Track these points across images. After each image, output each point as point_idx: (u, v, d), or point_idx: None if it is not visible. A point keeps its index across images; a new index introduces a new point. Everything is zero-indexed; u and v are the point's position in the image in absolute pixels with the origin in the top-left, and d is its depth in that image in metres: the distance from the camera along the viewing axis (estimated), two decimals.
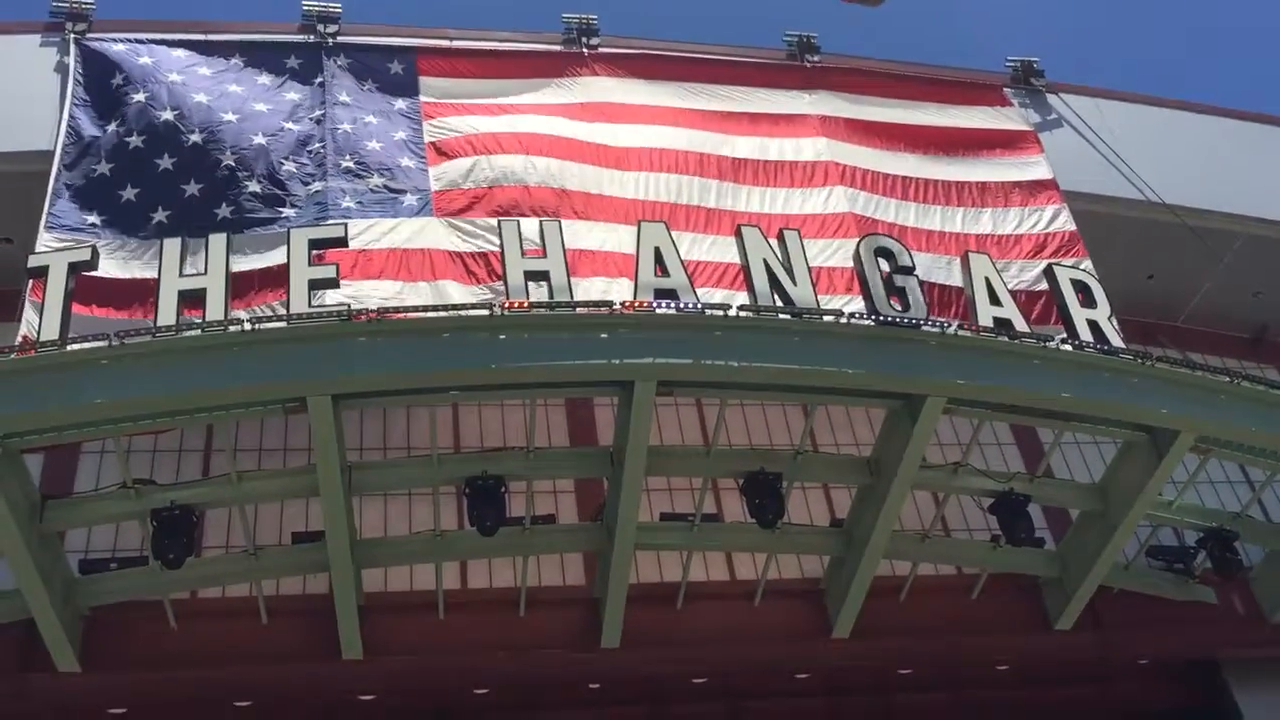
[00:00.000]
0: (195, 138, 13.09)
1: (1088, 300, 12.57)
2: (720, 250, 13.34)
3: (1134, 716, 14.83)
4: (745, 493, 12.00)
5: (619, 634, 12.36)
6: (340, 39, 14.91)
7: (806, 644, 13.13)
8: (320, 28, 14.92)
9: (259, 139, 13.26)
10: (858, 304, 11.98)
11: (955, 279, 13.42)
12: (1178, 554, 13.60)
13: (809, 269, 11.87)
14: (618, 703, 13.51)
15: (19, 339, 10.10)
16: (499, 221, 12.08)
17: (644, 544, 12.14)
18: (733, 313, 11.07)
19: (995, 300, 12.12)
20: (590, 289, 12.34)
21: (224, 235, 11.07)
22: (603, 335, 10.82)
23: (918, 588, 13.33)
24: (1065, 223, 15.06)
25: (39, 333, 9.91)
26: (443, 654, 12.25)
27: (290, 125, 13.62)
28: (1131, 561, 13.58)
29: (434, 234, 12.91)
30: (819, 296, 11.85)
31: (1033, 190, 15.47)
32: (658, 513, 12.57)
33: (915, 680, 13.91)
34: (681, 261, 11.59)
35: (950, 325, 11.69)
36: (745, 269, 11.84)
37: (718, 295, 12.54)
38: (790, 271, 11.72)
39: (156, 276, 10.54)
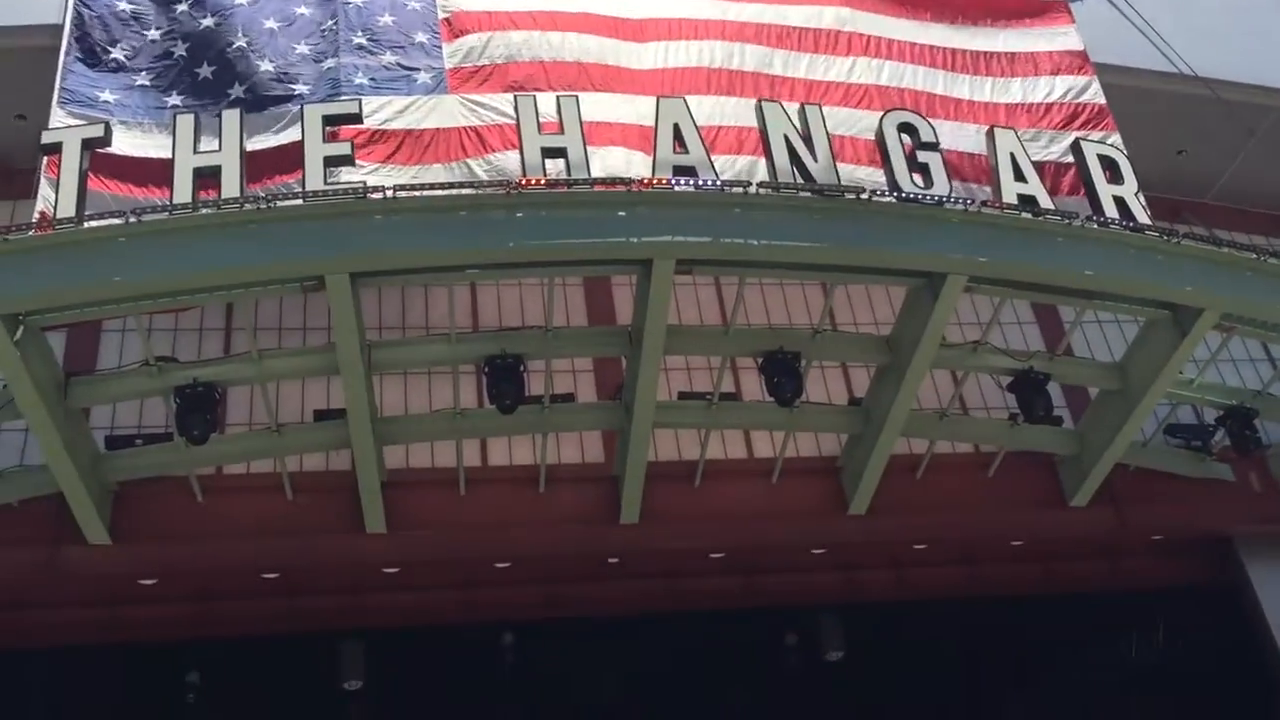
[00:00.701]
0: (207, 22, 12.90)
1: (1115, 176, 12.34)
2: (741, 113, 13.07)
3: (1147, 592, 15.06)
4: (763, 371, 12.01)
5: (637, 511, 12.56)
6: None
7: (823, 521, 13.31)
8: None
9: (270, 22, 13.05)
10: (879, 177, 11.79)
11: (983, 148, 13.13)
12: (1196, 432, 13.64)
13: (830, 141, 11.65)
14: (636, 577, 13.79)
15: (36, 215, 10.10)
16: (515, 97, 11.87)
17: (662, 422, 12.23)
18: (752, 190, 10.94)
19: (1020, 176, 11.91)
20: (608, 158, 12.20)
21: (237, 112, 10.96)
22: (621, 213, 10.73)
23: (934, 466, 13.42)
24: (1095, 95, 14.68)
25: (55, 209, 9.90)
26: (464, 529, 12.49)
27: (302, 10, 13.36)
28: (1149, 439, 13.63)
29: (448, 111, 12.73)
30: (840, 166, 11.62)
31: (1063, 61, 15.05)
32: (676, 391, 12.63)
33: (930, 556, 14.12)
34: (700, 136, 11.40)
35: (973, 203, 11.53)
36: (765, 145, 11.64)
37: (740, 163, 12.40)
38: (811, 146, 11.51)
39: (170, 156, 10.45)
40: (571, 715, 19.08)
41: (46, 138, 10.52)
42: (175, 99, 12.21)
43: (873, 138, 12.41)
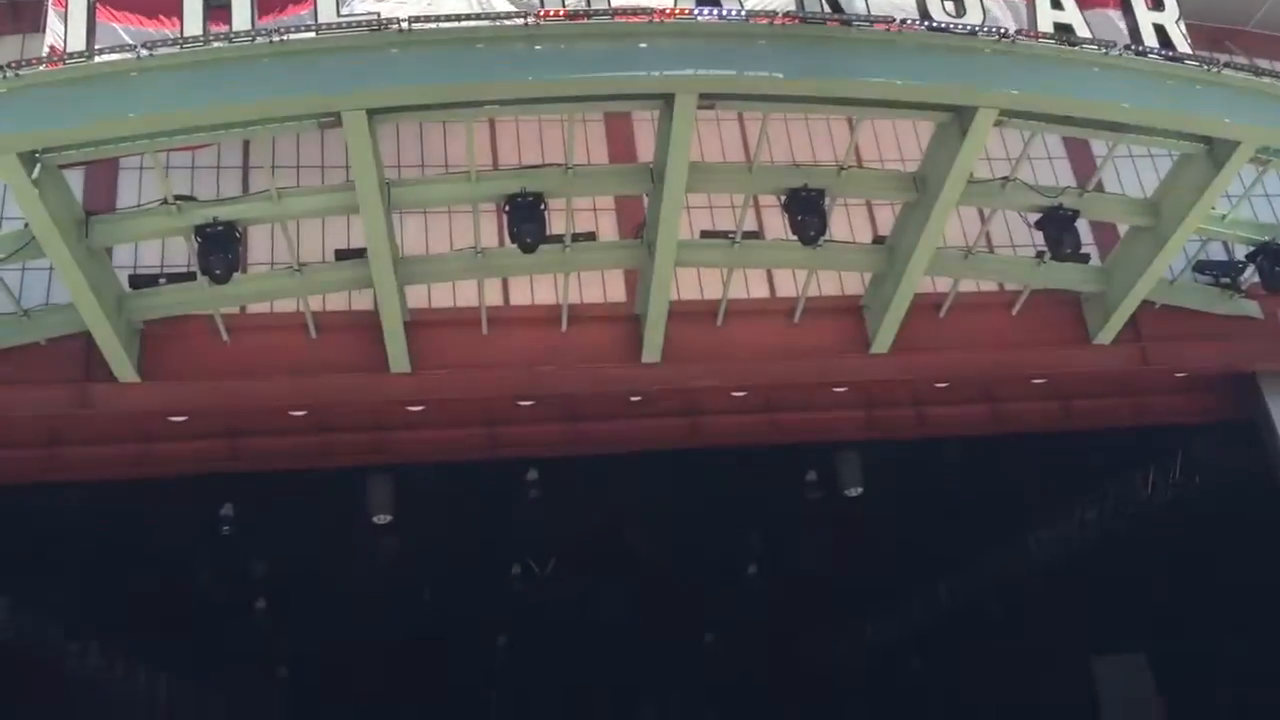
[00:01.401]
0: None
1: (1156, 3, 11.86)
2: None
3: (1168, 429, 15.17)
4: (787, 209, 11.81)
5: (659, 349, 12.57)
6: None
7: (845, 360, 13.31)
8: None
9: None
10: (910, 5, 11.37)
11: None
12: (1225, 268, 13.48)
13: None
14: (658, 415, 13.91)
15: (46, 49, 9.87)
16: None
17: (684, 261, 12.13)
18: (778, 21, 10.58)
19: (1057, 4, 11.45)
20: None
21: None
22: (642, 45, 10.41)
23: (959, 304, 13.33)
24: None
25: (65, 43, 9.70)
26: (487, 368, 12.57)
27: None
28: (1177, 276, 13.49)
29: None
30: None
31: None
32: (698, 230, 12.49)
33: (950, 394, 14.16)
34: None
35: (1006, 33, 11.11)
36: None
37: None
38: None
39: None
40: (593, 549, 19.70)
41: None
42: None
43: None
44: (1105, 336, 13.34)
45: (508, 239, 11.56)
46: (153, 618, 18.16)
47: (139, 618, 18.04)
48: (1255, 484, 14.03)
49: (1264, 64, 12.54)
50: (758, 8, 11.17)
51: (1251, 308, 13.64)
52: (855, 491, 16.01)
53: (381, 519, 15.19)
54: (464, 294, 12.62)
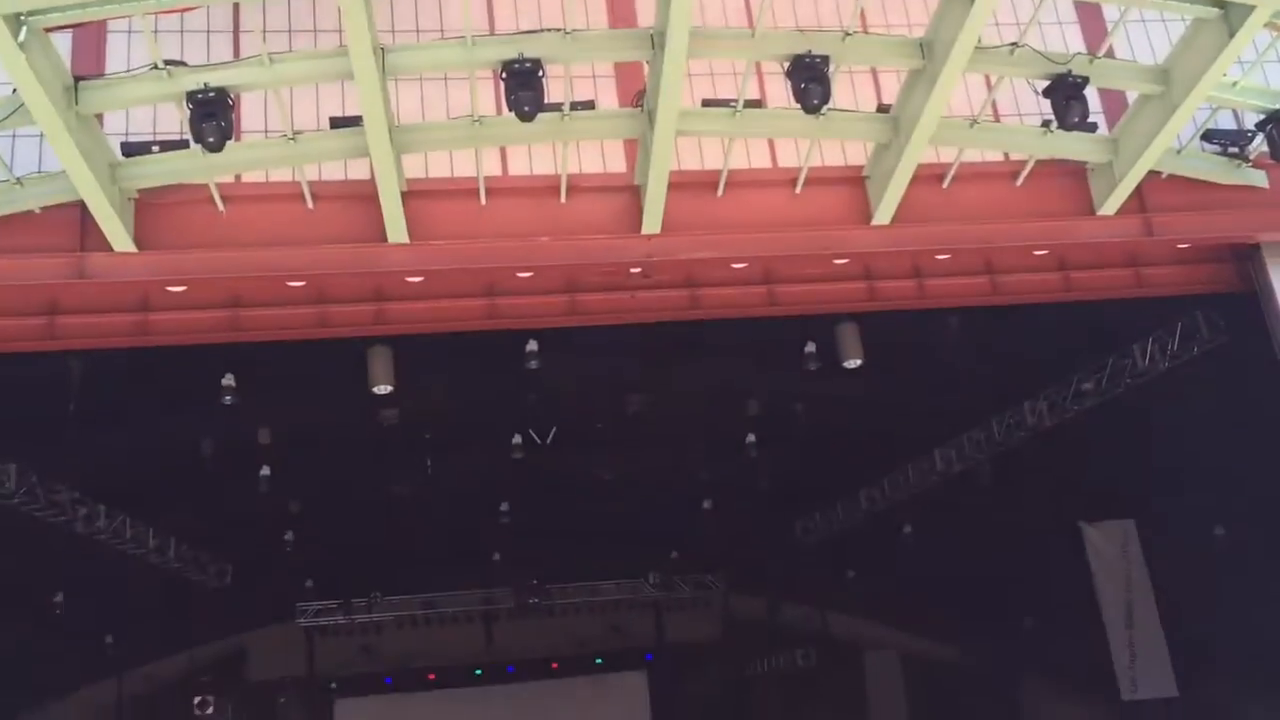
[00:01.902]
0: None
1: None
2: None
3: (1168, 301, 15.18)
4: (790, 77, 11.53)
5: (660, 220, 12.47)
6: None
7: (846, 230, 13.21)
8: None
9: None
10: None
11: None
12: (1234, 137, 13.28)
13: None
14: (658, 287, 13.89)
15: None
16: None
17: (685, 129, 11.92)
18: None
19: None
20: None
21: None
22: None
23: (962, 175, 13.17)
24: None
25: None
26: (486, 238, 12.49)
27: None
28: (1185, 146, 13.31)
29: None
30: None
31: None
32: (699, 98, 12.27)
33: (952, 265, 14.12)
34: None
35: None
36: None
37: None
38: None
39: None
40: (593, 419, 19.90)
41: None
42: None
43: None
44: (1110, 207, 13.22)
45: (505, 108, 11.38)
46: (159, 484, 18.49)
47: (145, 484, 18.36)
48: (1254, 356, 14.08)
49: None
50: None
51: (1258, 177, 13.49)
52: (854, 363, 16.11)
53: (382, 390, 15.32)
54: (461, 165, 12.45)
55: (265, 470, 18.87)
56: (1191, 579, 18.87)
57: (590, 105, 12.15)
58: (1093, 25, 13.88)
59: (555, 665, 28.52)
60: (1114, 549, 20.46)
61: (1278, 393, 13.97)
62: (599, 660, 28.78)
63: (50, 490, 16.68)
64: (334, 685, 27.50)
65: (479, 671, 28.12)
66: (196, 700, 22.60)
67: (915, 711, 26.50)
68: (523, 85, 11.03)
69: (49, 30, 10.02)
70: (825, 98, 11.48)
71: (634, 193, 12.61)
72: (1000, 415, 19.28)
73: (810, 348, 17.23)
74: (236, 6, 12.03)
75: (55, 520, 16.99)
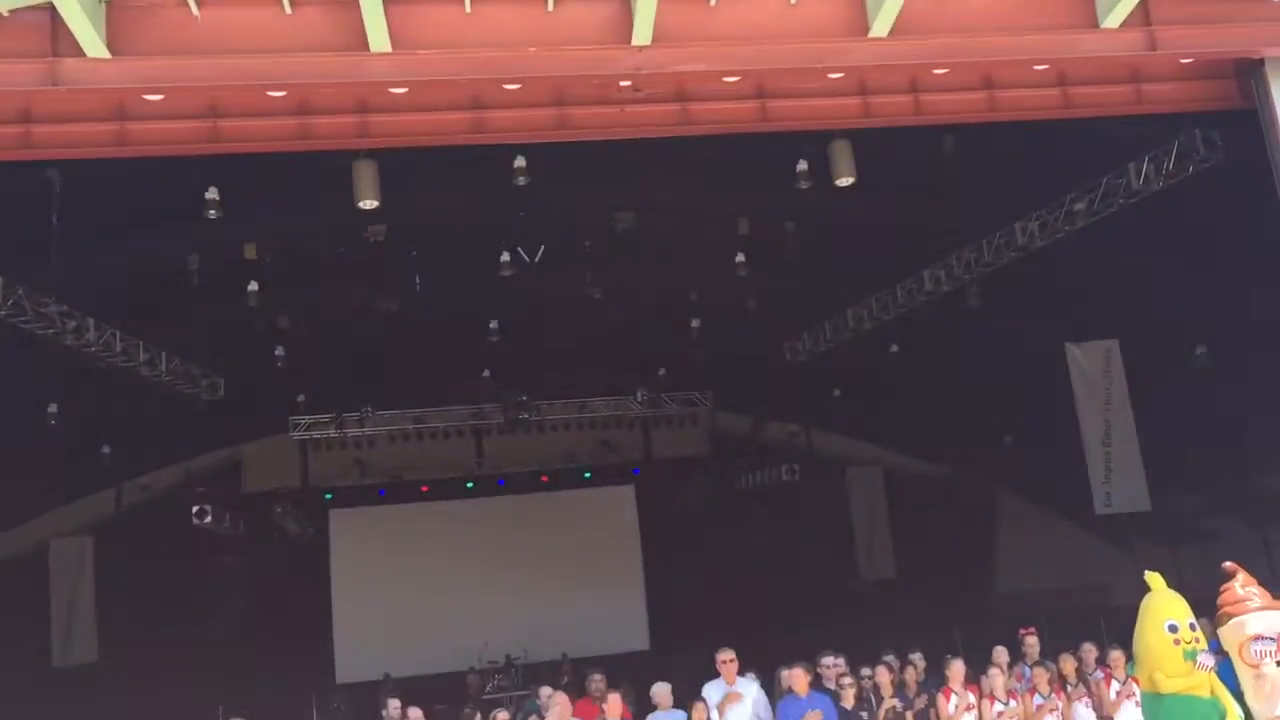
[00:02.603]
0: None
1: None
2: None
3: (1167, 119, 14.96)
4: None
5: (650, 31, 12.08)
6: None
7: (842, 43, 12.85)
8: None
9: None
10: None
11: None
12: None
13: None
14: (648, 101, 13.55)
15: None
16: None
17: None
18: None
19: None
20: None
21: None
22: None
23: None
24: None
25: None
26: (471, 48, 12.10)
27: None
28: None
29: None
30: None
31: None
32: None
33: (950, 80, 13.80)
34: None
35: None
36: None
37: None
38: None
39: None
40: (582, 237, 19.79)
41: None
42: None
43: None
44: (1113, 20, 12.84)
45: None
46: (146, 298, 18.48)
47: (134, 299, 18.34)
48: (1248, 175, 13.97)
49: None
50: None
51: None
52: (847, 181, 15.94)
53: (368, 205, 15.16)
54: None
55: (253, 285, 18.84)
56: (1169, 398, 19.22)
57: None
58: None
59: (545, 479, 29.22)
60: (1096, 368, 20.74)
61: (1271, 212, 13.90)
62: (587, 474, 29.46)
63: (37, 303, 16.65)
64: (329, 496, 28.20)
65: (470, 485, 28.80)
66: (195, 510, 23.11)
67: (895, 523, 27.36)
68: None
69: None
70: None
71: (624, 2, 12.19)
72: (990, 235, 19.24)
73: (802, 165, 17.03)
74: None
75: (44, 333, 17.01)
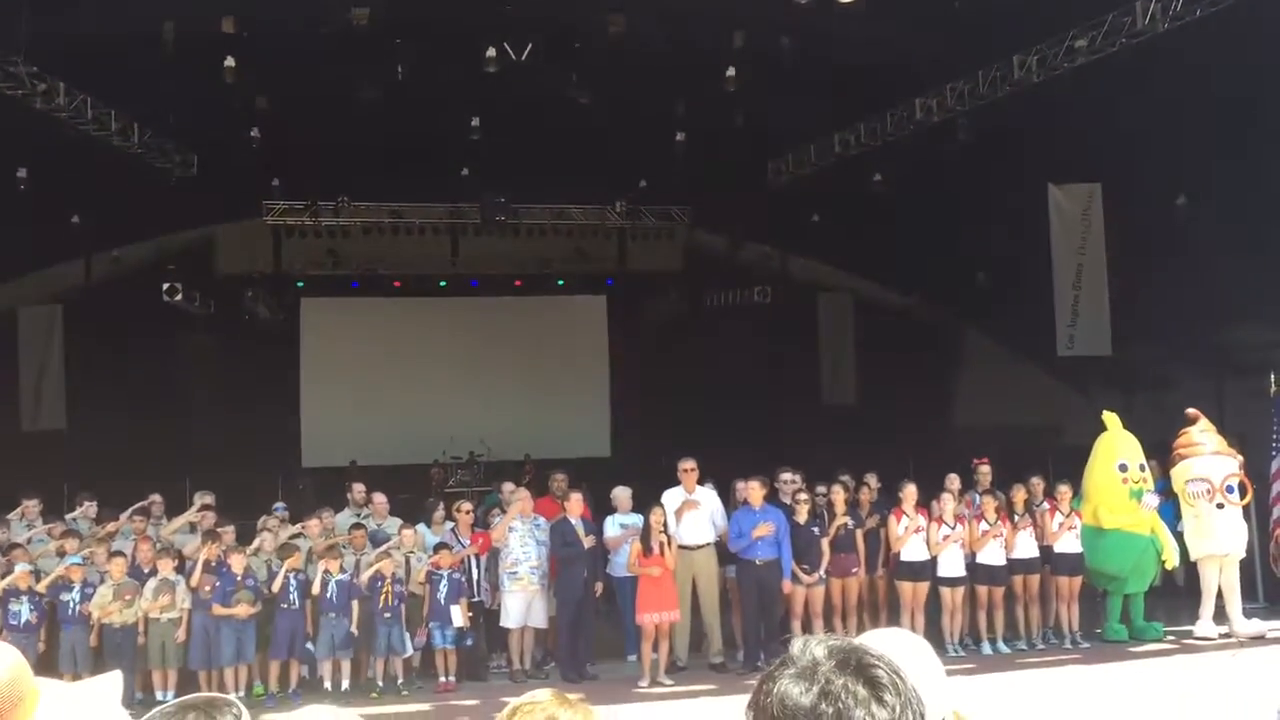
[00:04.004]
0: None
1: None
2: None
3: None
4: None
5: None
6: None
7: None
8: None
9: None
10: None
11: None
12: None
13: None
14: None
15: None
16: None
17: None
18: None
19: None
20: None
21: None
22: None
23: None
24: None
25: None
26: None
27: None
28: None
29: None
30: None
31: None
32: None
33: None
34: None
35: None
36: None
37: None
38: None
39: None
40: (572, 38, 19.21)
41: None
42: None
43: None
44: None
45: None
46: (120, 68, 17.89)
47: (106, 66, 17.76)
48: (1256, 22, 13.71)
49: None
50: None
51: None
52: None
53: None
54: None
55: (230, 61, 18.27)
56: (1144, 246, 19.31)
57: None
58: None
59: (518, 283, 29.27)
60: (1076, 210, 20.72)
61: (1272, 68, 13.73)
62: (561, 282, 29.54)
63: (6, 61, 16.12)
64: (300, 285, 28.16)
65: (443, 284, 28.83)
66: (165, 287, 23.02)
67: (861, 350, 27.75)
68: None
69: None
70: None
71: None
72: (987, 68, 18.88)
73: None
74: None
75: (12, 93, 16.53)
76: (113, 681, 2.50)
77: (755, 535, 14.04)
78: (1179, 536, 15.31)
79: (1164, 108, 17.20)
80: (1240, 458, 15.30)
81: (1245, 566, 15.52)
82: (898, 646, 2.34)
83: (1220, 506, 14.90)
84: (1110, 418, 15.62)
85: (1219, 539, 14.94)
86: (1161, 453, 15.87)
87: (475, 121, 22.24)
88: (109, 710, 2.42)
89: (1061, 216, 20.87)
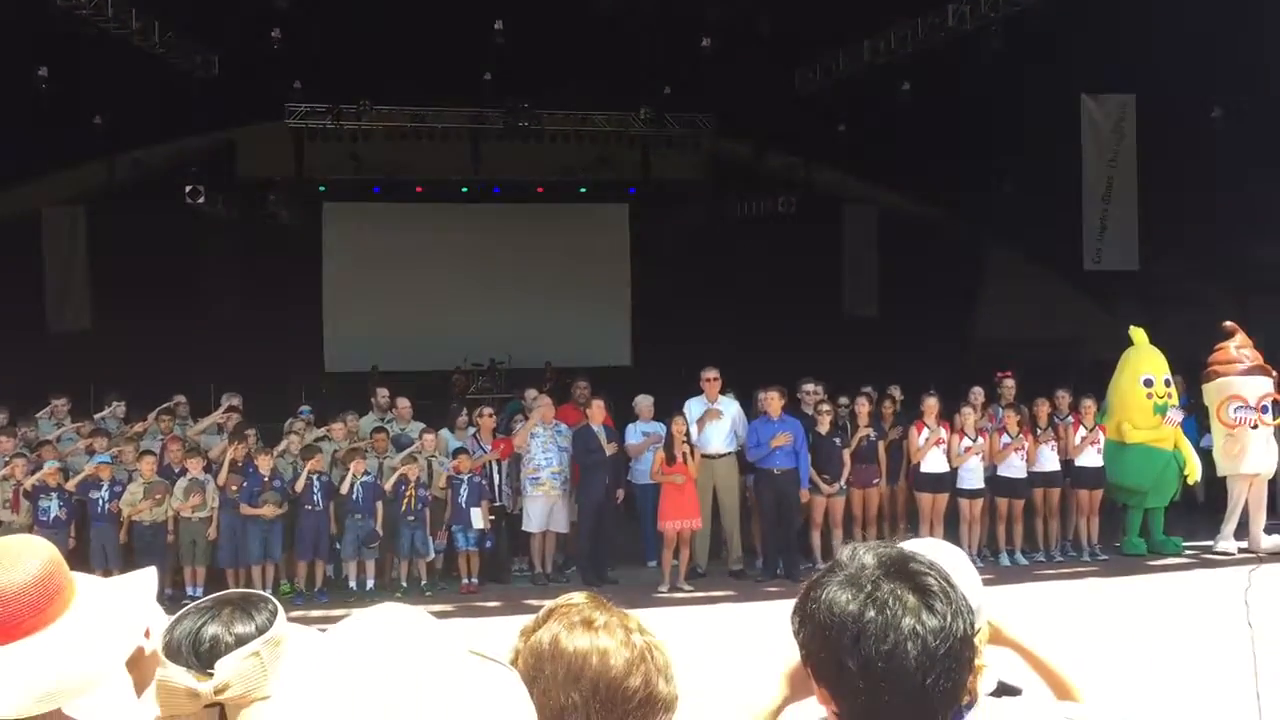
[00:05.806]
0: None
1: None
2: None
3: None
4: None
5: None
6: None
7: None
8: None
9: None
10: None
11: None
12: None
13: None
14: None
15: None
16: None
17: None
18: None
19: None
20: None
21: None
22: None
23: None
24: None
25: None
26: None
27: None
28: None
29: None
30: None
31: None
32: None
33: None
34: None
35: None
36: None
37: None
38: None
39: None
40: None
41: None
42: None
43: None
44: None
45: None
46: None
47: None
48: None
49: None
50: None
51: None
52: None
53: None
54: None
55: None
56: (1176, 160, 18.99)
57: None
58: None
59: (540, 190, 29.05)
60: (1109, 123, 20.36)
61: None
62: (583, 190, 29.30)
63: None
64: (322, 189, 28.04)
65: (465, 189, 28.64)
66: (187, 189, 22.93)
67: (885, 262, 27.56)
68: None
69: None
70: None
71: None
72: None
73: None
74: None
75: None
76: (148, 577, 2.53)
77: (772, 445, 14.09)
78: (1202, 452, 15.28)
79: (1202, 18, 16.76)
80: (1276, 374, 15.14)
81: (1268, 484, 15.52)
82: (940, 556, 2.33)
83: (1255, 427, 14.83)
84: (1137, 333, 15.50)
85: (1252, 459, 14.87)
86: (1188, 368, 15.78)
87: (499, 25, 21.89)
88: (146, 604, 2.45)
89: (1094, 128, 20.52)
